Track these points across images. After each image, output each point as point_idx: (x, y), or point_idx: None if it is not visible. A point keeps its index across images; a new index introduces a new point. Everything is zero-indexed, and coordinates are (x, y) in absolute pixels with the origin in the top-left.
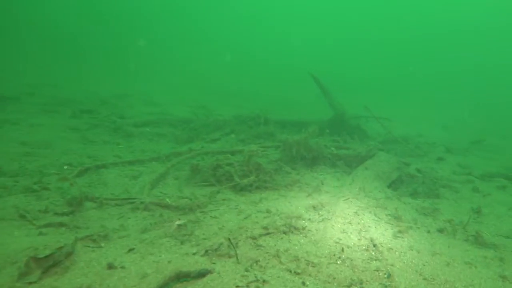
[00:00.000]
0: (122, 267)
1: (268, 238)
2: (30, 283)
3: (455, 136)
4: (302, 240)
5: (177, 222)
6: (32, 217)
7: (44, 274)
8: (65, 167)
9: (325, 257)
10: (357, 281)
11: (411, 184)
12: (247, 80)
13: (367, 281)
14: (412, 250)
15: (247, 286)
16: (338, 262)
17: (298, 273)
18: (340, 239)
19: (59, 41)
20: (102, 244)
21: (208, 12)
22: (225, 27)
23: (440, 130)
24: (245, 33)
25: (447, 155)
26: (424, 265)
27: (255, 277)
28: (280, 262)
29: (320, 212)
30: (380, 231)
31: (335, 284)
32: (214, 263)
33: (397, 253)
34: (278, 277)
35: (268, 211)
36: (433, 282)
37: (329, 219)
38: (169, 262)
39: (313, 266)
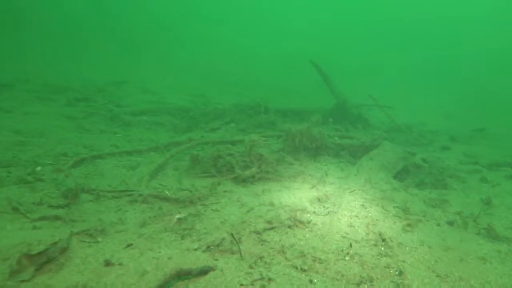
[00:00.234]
0: (120, 264)
1: (273, 233)
2: (23, 281)
3: (457, 124)
4: (307, 235)
5: (177, 216)
6: (25, 210)
7: (37, 271)
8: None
9: (333, 252)
10: (367, 279)
11: (417, 175)
12: (246, 69)
13: (377, 278)
14: (423, 245)
15: (252, 284)
16: (347, 258)
17: (305, 270)
18: (347, 234)
19: (54, 27)
20: (99, 239)
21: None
22: (223, 15)
23: (441, 118)
24: (244, 22)
25: (452, 144)
26: (436, 261)
27: (260, 274)
28: (286, 258)
29: (325, 205)
30: (389, 225)
31: (344, 281)
32: (216, 260)
33: (407, 248)
34: (284, 274)
35: (271, 204)
36: (447, 280)
37: (335, 212)
38: (169, 258)
39: (320, 263)
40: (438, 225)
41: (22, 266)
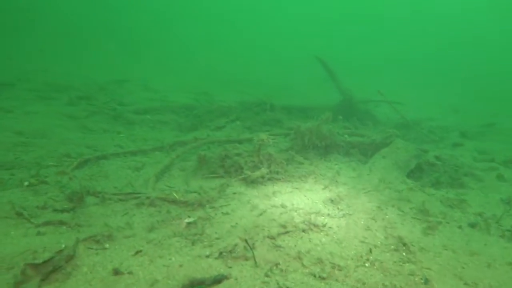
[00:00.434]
0: (130, 273)
1: (287, 238)
2: None
3: (466, 119)
4: (323, 239)
5: (187, 220)
6: (29, 215)
7: (43, 281)
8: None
9: (352, 259)
10: (390, 287)
11: (431, 173)
12: (247, 67)
13: (401, 287)
14: (446, 249)
15: None
16: (367, 265)
17: (324, 278)
18: (366, 238)
19: (54, 27)
20: (107, 245)
21: None
22: (224, 14)
23: (449, 113)
24: (244, 21)
25: (463, 140)
26: (463, 268)
27: (277, 283)
28: (303, 265)
29: (340, 207)
30: (408, 228)
31: None
32: (230, 267)
33: (430, 253)
34: (302, 283)
35: (283, 206)
36: None
37: (350, 214)
38: (180, 266)
39: (340, 270)
40: (460, 227)
41: (27, 277)
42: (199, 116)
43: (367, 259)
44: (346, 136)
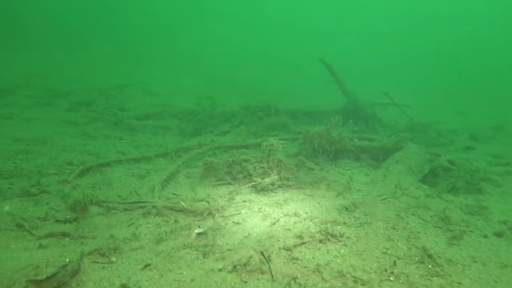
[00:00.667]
0: None
1: (304, 249)
2: None
3: (473, 122)
4: (342, 250)
5: (196, 230)
6: (30, 226)
7: None
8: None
9: (375, 272)
10: None
11: (446, 178)
12: (248, 71)
13: None
14: (475, 261)
15: None
16: (392, 279)
17: None
18: (387, 249)
19: (55, 31)
20: (113, 259)
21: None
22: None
23: (455, 116)
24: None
25: (474, 143)
26: (496, 282)
27: None
28: (323, 279)
29: (356, 215)
30: (432, 238)
31: None
32: (245, 282)
33: (459, 266)
34: None
35: (296, 215)
36: None
37: (369, 223)
38: (192, 280)
39: (363, 284)
40: (485, 237)
41: None
42: (202, 121)
43: (392, 273)
44: (356, 140)
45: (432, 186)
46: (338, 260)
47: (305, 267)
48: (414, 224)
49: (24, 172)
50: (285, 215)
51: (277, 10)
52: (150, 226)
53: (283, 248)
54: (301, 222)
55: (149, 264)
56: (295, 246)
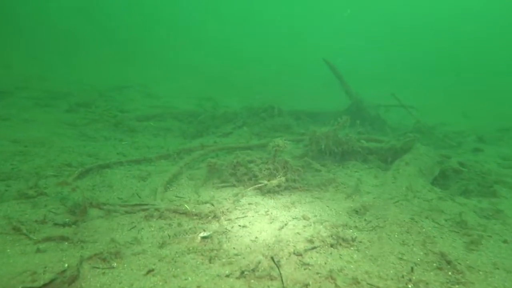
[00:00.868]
0: None
1: (315, 254)
2: None
3: (479, 124)
4: (355, 256)
5: (201, 234)
6: (28, 230)
7: None
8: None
9: (392, 279)
10: None
11: (457, 181)
12: (248, 73)
13: None
14: (498, 268)
15: None
16: (410, 286)
17: None
18: (403, 254)
19: (51, 33)
20: (114, 264)
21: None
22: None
23: (460, 118)
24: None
25: (482, 145)
26: None
27: None
28: (336, 286)
29: (367, 218)
30: (449, 243)
31: None
32: None
33: (481, 273)
34: None
35: (305, 218)
36: None
37: (381, 227)
38: (198, 287)
39: None
40: (505, 241)
41: None
42: (204, 123)
43: (410, 280)
44: (363, 141)
45: (443, 188)
46: (352, 266)
47: (317, 273)
48: (429, 228)
49: (21, 174)
50: (293, 218)
51: (276, 11)
52: (152, 229)
53: (293, 253)
54: (310, 225)
55: (152, 270)
56: (305, 250)
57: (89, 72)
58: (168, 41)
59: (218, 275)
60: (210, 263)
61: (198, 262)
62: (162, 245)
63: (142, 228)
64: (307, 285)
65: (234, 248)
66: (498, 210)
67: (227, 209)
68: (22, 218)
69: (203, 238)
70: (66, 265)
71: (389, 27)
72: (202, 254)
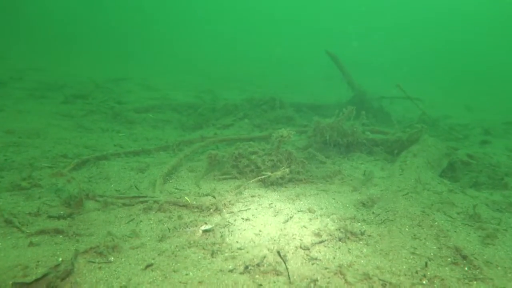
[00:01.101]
0: None
1: (323, 248)
2: None
3: (483, 116)
4: (365, 250)
5: (203, 227)
6: (20, 223)
7: None
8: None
9: (405, 275)
10: None
11: (466, 173)
12: (250, 66)
13: None
14: None
15: None
16: (424, 282)
17: None
18: (415, 248)
19: (47, 23)
20: (111, 258)
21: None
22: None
23: (463, 111)
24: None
25: (489, 138)
26: None
27: None
28: (346, 282)
29: (375, 211)
30: (463, 236)
31: None
32: (260, 285)
33: (499, 268)
34: None
35: (311, 211)
36: None
37: (391, 220)
38: (200, 282)
39: None
40: None
41: None
42: (203, 115)
43: (424, 275)
44: (368, 132)
45: (452, 181)
46: (362, 261)
47: (326, 268)
48: (442, 221)
49: (15, 165)
50: (298, 211)
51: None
52: (151, 222)
53: (300, 247)
54: (317, 218)
55: (151, 264)
56: (313, 244)
57: (87, 65)
58: (169, 35)
59: (220, 270)
60: (212, 257)
61: (199, 257)
62: (161, 239)
63: (141, 221)
64: (315, 280)
65: (237, 241)
66: (511, 203)
67: (229, 202)
68: (15, 210)
69: (205, 231)
70: (60, 259)
71: (396, 22)
72: (203, 248)
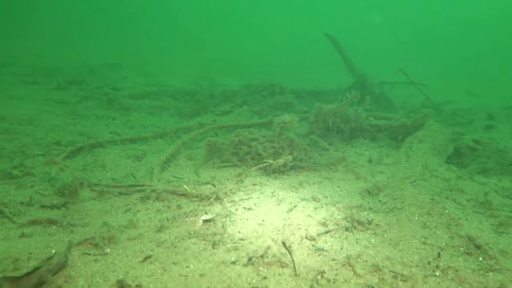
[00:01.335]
0: (138, 286)
1: (330, 238)
2: None
3: (484, 101)
4: (373, 240)
5: (203, 217)
6: (11, 213)
7: None
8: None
9: (416, 266)
10: None
11: (473, 158)
12: (249, 52)
13: None
14: None
15: None
16: (437, 274)
17: None
18: (426, 238)
19: (40, 7)
20: (107, 250)
21: None
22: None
23: (464, 96)
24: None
25: (493, 123)
26: None
27: None
28: (355, 274)
29: (381, 199)
30: (475, 225)
31: None
32: (265, 278)
33: None
34: None
35: (315, 199)
36: None
37: (399, 208)
38: (201, 275)
39: (404, 281)
40: None
41: None
42: (201, 101)
43: (437, 266)
44: (371, 118)
45: (458, 167)
46: (371, 252)
47: (333, 259)
48: (452, 209)
49: (5, 153)
50: (302, 200)
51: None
52: (149, 212)
53: (306, 238)
54: (322, 207)
55: (150, 256)
56: (319, 234)
57: (81, 50)
58: (166, 17)
59: (223, 262)
60: (214, 248)
61: (200, 248)
62: (160, 229)
63: (138, 211)
64: (322, 272)
65: (239, 232)
66: None
67: (230, 190)
68: (6, 200)
69: (205, 221)
70: (53, 251)
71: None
72: (204, 239)
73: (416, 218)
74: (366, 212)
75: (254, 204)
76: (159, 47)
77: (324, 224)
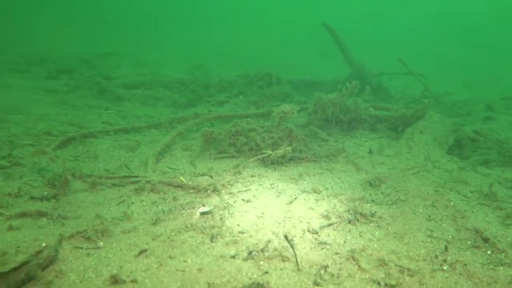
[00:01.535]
0: (133, 281)
1: (332, 231)
2: None
3: (481, 93)
4: (377, 233)
5: (200, 209)
6: None
7: None
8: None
9: (423, 260)
10: None
11: (474, 150)
12: (245, 43)
13: None
14: None
15: None
16: (445, 268)
17: (393, 286)
18: (432, 231)
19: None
20: (100, 244)
21: None
22: None
23: (461, 88)
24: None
25: (492, 114)
26: None
27: None
28: (360, 268)
29: (383, 191)
30: (481, 217)
31: None
32: (266, 273)
33: None
34: None
35: (316, 191)
36: None
37: (403, 200)
38: (199, 270)
39: (411, 275)
40: None
41: None
42: (196, 91)
43: (444, 260)
44: (371, 109)
45: (459, 158)
46: (375, 245)
47: (337, 253)
48: (457, 201)
49: None
50: (302, 192)
51: None
52: (144, 204)
53: (308, 231)
54: (323, 199)
55: (145, 250)
56: (321, 227)
57: (73, 39)
58: (160, 7)
59: (221, 256)
60: (212, 242)
61: (198, 241)
62: (155, 222)
63: (132, 203)
64: (325, 267)
65: (238, 225)
66: None
67: (228, 182)
68: None
69: (203, 213)
70: (43, 244)
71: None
72: (202, 232)
73: (421, 210)
74: (368, 204)
75: (253, 196)
76: (154, 38)
77: (326, 217)
